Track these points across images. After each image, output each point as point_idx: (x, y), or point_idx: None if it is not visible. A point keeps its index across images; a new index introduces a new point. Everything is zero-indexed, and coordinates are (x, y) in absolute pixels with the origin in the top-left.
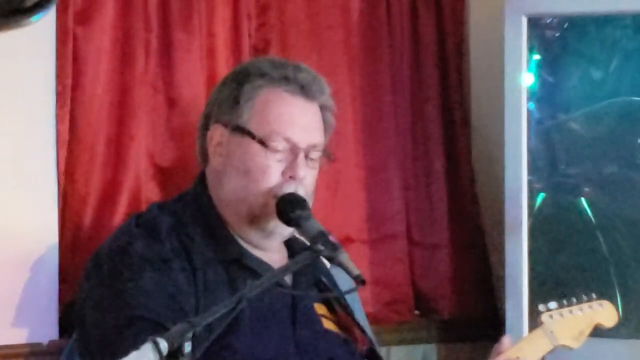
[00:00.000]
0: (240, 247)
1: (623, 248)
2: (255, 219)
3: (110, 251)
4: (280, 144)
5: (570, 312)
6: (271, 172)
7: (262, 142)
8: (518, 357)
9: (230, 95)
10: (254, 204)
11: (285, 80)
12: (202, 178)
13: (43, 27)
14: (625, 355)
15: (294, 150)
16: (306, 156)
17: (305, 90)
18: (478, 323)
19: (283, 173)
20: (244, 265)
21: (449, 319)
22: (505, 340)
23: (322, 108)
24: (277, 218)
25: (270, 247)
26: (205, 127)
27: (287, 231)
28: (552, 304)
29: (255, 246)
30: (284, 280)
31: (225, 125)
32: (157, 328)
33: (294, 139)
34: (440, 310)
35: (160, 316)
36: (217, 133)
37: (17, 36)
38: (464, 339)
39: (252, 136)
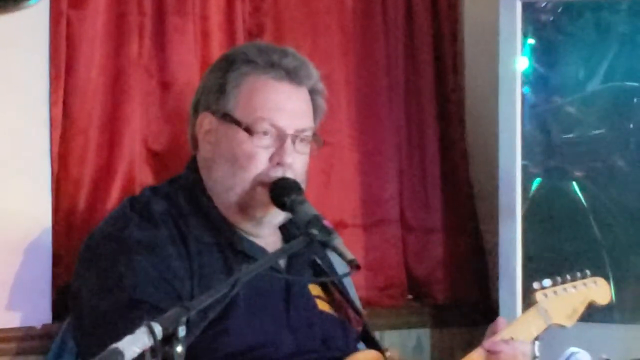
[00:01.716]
0: (235, 231)
1: (617, 233)
2: (243, 208)
3: (105, 236)
4: (267, 131)
5: (565, 290)
6: (258, 159)
7: (248, 130)
8: (512, 338)
9: (217, 83)
10: (242, 192)
11: (271, 66)
12: (193, 162)
13: (37, 10)
14: (618, 340)
15: (281, 136)
16: (294, 142)
17: (291, 75)
18: (472, 307)
19: (270, 159)
20: (238, 250)
21: (443, 303)
22: (500, 320)
23: (312, 92)
24: (266, 207)
25: (262, 234)
26: (195, 114)
27: (278, 219)
28: (546, 282)
29: (248, 233)
30: (277, 264)
31: (213, 113)
32: (154, 311)
33: (280, 124)
34: (433, 294)
35: (157, 299)
36: (206, 121)
37: (11, 20)
38: (457, 324)
39: (239, 124)
